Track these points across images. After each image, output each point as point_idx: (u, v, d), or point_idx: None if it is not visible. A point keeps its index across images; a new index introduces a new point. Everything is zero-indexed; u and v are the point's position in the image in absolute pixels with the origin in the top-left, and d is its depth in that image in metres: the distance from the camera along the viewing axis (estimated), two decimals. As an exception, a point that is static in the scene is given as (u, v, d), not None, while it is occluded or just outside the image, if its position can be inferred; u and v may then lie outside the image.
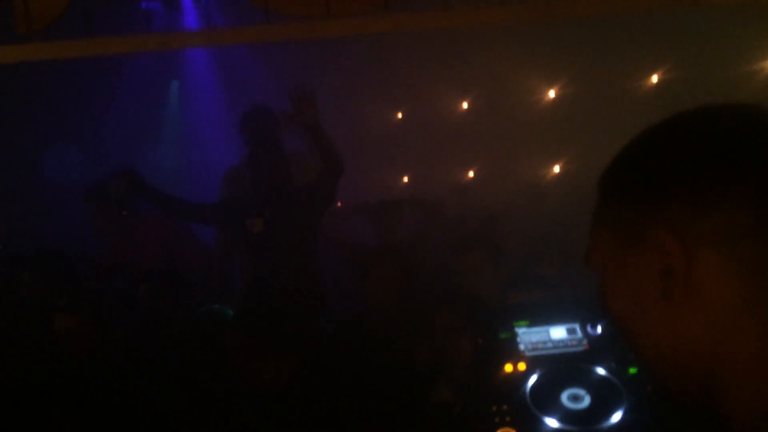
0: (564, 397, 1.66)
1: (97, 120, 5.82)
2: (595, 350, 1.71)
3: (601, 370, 1.67)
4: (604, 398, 1.64)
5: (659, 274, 0.69)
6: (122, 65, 5.89)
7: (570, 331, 1.77)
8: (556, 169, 5.63)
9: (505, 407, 1.67)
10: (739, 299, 0.66)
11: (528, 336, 1.75)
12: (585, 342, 1.75)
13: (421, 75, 5.76)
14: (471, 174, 5.94)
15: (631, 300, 0.73)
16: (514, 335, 1.75)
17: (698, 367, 0.70)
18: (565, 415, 1.61)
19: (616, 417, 1.60)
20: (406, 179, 6.16)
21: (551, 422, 1.61)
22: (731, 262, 0.66)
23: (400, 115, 6.28)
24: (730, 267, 0.66)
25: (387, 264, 3.16)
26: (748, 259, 0.66)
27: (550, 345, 1.75)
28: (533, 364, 1.70)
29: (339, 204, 4.33)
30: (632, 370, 1.66)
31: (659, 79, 5.06)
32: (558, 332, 1.76)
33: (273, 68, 5.75)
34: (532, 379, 1.67)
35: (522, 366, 1.69)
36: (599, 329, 1.74)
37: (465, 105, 5.90)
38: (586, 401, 1.65)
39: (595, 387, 1.66)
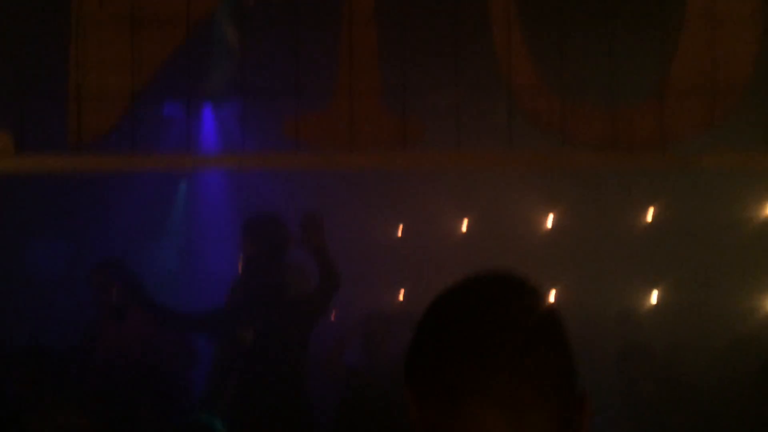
0: None
1: (100, 214, 5.94)
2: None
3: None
4: None
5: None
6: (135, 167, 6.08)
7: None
8: (551, 297, 5.80)
9: None
10: None
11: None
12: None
13: (423, 192, 6.01)
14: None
15: None
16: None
17: None
18: None
19: None
20: (401, 296, 6.30)
21: None
22: None
23: (399, 231, 6.50)
24: None
25: None
26: None
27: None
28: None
29: (333, 317, 4.45)
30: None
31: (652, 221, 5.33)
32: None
33: (279, 175, 6.01)
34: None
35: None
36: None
37: (464, 225, 6.14)
38: None
39: None
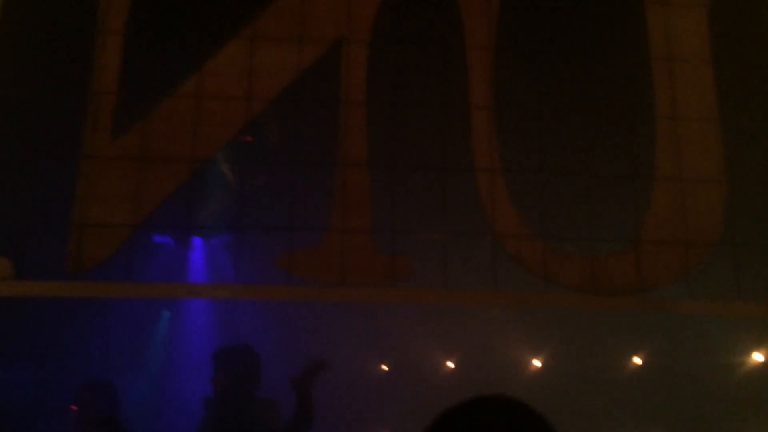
0: None
1: (82, 338, 5.93)
2: None
3: None
4: None
5: None
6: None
7: None
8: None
9: None
10: None
11: None
12: None
13: (410, 330, 6.05)
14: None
15: None
16: None
17: None
18: None
19: None
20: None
21: None
22: None
23: (385, 367, 6.48)
24: None
25: None
26: None
27: None
28: None
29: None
30: None
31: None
32: None
33: (264, 305, 6.05)
34: None
35: None
36: None
37: (451, 365, 6.15)
38: None
39: None
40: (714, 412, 4.79)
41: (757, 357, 4.80)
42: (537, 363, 5.61)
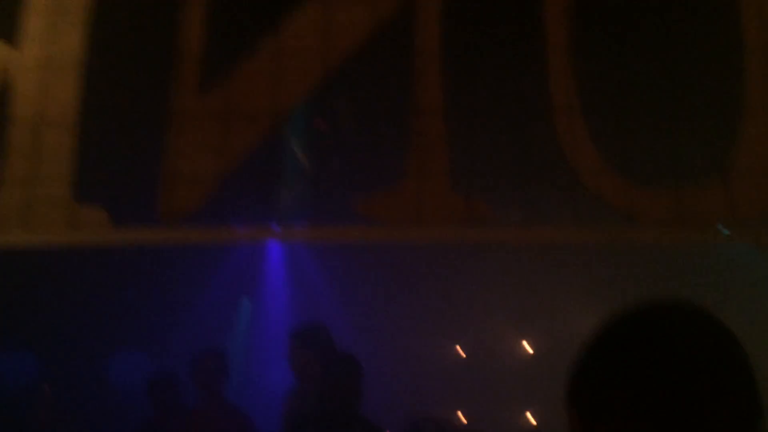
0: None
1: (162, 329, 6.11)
2: None
3: None
4: None
5: None
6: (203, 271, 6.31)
7: None
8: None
9: None
10: None
11: None
12: None
13: (486, 312, 5.97)
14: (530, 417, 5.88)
15: None
16: None
17: None
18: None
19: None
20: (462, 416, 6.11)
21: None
22: None
23: (462, 352, 6.41)
24: None
25: None
26: None
27: None
28: None
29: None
30: None
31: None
32: None
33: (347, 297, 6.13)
34: None
35: None
36: None
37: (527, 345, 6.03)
38: None
39: None
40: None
41: None
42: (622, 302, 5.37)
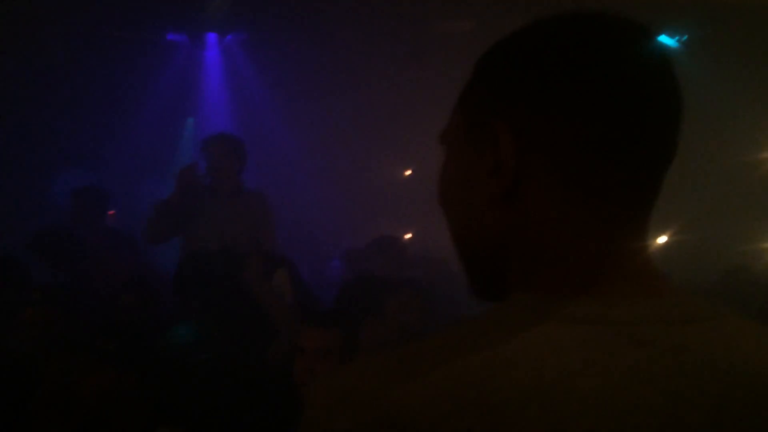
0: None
1: (105, 146, 5.81)
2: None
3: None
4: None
5: (488, 171, 0.69)
6: (139, 96, 5.89)
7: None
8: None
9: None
10: (558, 209, 0.67)
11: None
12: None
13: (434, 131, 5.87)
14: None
15: (459, 187, 0.74)
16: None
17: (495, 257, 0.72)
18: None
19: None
20: (409, 235, 6.30)
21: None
22: (557, 171, 0.66)
23: (409, 171, 6.42)
24: (554, 177, 0.67)
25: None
26: (574, 171, 0.66)
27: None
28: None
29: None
30: None
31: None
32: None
33: (292, 117, 5.84)
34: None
35: None
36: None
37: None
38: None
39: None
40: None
41: None
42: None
